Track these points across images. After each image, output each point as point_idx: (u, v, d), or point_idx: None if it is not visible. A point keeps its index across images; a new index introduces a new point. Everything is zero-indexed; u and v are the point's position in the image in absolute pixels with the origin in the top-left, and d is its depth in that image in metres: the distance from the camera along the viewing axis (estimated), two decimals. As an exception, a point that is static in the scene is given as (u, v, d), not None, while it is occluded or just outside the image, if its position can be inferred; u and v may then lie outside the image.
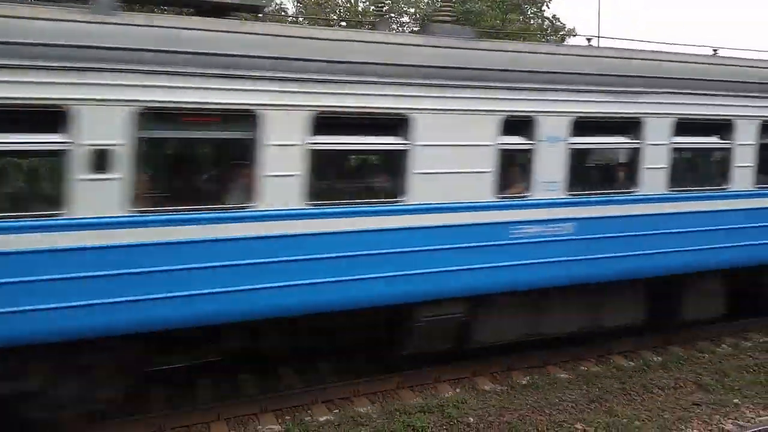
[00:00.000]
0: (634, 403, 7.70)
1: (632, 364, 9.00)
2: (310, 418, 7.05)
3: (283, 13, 26.13)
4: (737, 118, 8.86)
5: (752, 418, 7.29)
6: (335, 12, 28.91)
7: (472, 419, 7.14)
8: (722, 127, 8.86)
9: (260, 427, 6.89)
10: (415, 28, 31.35)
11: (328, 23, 25.85)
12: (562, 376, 8.56)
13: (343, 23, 27.69)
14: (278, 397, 7.35)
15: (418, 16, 30.07)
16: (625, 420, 7.18)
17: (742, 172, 8.96)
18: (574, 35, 32.54)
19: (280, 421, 7.00)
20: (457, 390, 7.98)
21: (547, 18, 32.42)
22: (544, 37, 30.30)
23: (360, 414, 7.16)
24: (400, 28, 30.70)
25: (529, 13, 31.51)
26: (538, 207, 7.65)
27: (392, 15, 30.21)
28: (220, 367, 7.95)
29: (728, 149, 8.91)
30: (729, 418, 7.27)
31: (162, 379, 7.62)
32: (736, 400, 7.72)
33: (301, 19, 27.93)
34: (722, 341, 9.89)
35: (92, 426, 6.43)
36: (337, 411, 7.24)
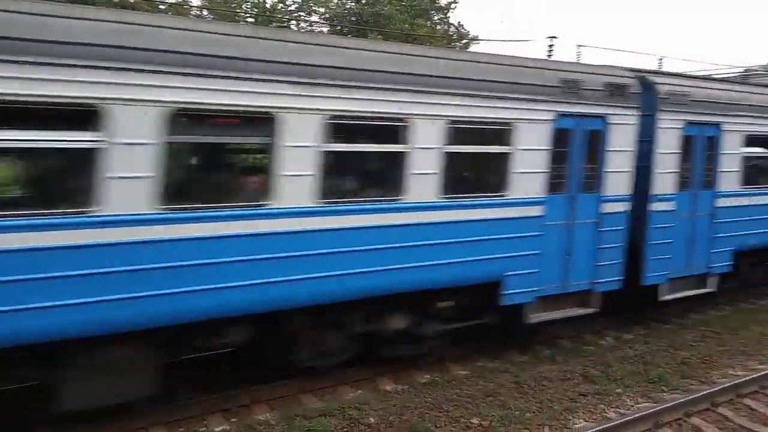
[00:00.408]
0: (526, 395, 8.06)
1: (524, 358, 9.44)
2: (205, 428, 6.82)
3: (186, 6, 25.18)
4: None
5: (632, 405, 7.84)
6: (241, 7, 28.24)
7: (372, 420, 7.19)
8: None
9: None
10: (324, 29, 31.26)
11: (234, 19, 25.21)
12: (460, 372, 8.82)
13: (251, 19, 27.10)
14: (172, 408, 7.06)
15: (327, 15, 30.01)
16: (517, 412, 7.51)
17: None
18: (478, 42, 33.73)
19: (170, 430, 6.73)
20: (359, 391, 8.02)
21: (452, 24, 33.37)
22: (449, 43, 31.17)
23: (258, 422, 7.02)
24: (310, 27, 30.49)
25: (435, 18, 32.30)
26: (281, 217, 6.73)
27: (301, 14, 29.91)
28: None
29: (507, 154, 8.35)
30: (611, 407, 7.78)
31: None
32: (618, 390, 8.29)
33: (205, 12, 27.06)
34: (606, 334, 10.59)
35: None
36: (234, 420, 7.05)
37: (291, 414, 7.21)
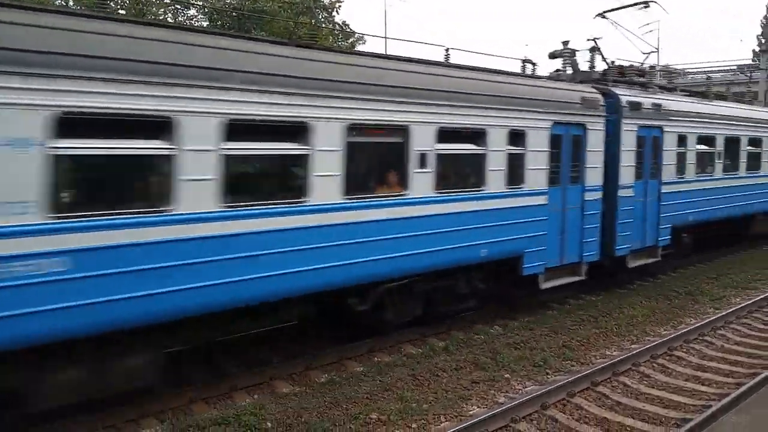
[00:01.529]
0: (422, 387, 8.23)
1: (420, 351, 9.64)
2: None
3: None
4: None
5: (520, 389, 8.24)
6: (114, 1, 26.53)
7: (270, 424, 7.03)
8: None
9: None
10: (204, 23, 30.10)
11: (104, 11, 23.59)
12: (358, 369, 8.85)
13: (122, 11, 25.54)
14: (56, 428, 6.48)
15: (206, 10, 28.93)
16: (414, 404, 7.65)
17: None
18: (363, 42, 33.98)
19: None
20: (255, 396, 7.81)
21: (337, 23, 33.38)
22: (335, 42, 31.15)
23: (146, 436, 6.63)
24: (188, 21, 29.26)
25: (320, 17, 32.15)
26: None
27: (178, 6, 28.61)
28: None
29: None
30: (501, 392, 8.13)
31: None
32: (506, 375, 8.68)
33: (71, 3, 25.13)
34: (495, 323, 11.07)
35: None
36: (116, 437, 6.61)
37: (183, 426, 6.86)
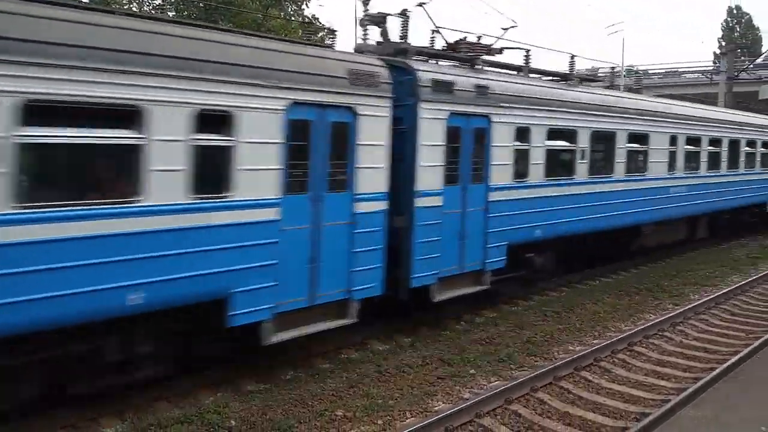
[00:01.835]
0: (388, 383, 8.25)
1: (386, 347, 9.65)
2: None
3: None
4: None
5: (485, 385, 8.32)
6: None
7: (234, 422, 6.95)
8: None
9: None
10: (171, 13, 29.48)
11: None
12: (324, 366, 8.81)
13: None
14: (11, 429, 6.29)
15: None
16: (380, 400, 7.66)
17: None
18: (333, 37, 33.70)
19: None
20: (219, 394, 7.71)
21: (307, 17, 33.09)
22: (305, 35, 30.85)
23: (106, 435, 6.48)
24: (154, 11, 28.64)
25: (290, 10, 31.84)
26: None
27: (143, -5, 28.01)
28: None
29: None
30: (467, 388, 8.20)
31: None
32: (472, 371, 8.75)
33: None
34: (461, 319, 11.15)
35: None
36: (79, 435, 6.45)
37: (144, 425, 6.74)
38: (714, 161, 18.15)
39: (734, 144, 19.21)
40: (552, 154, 12.09)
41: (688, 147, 16.57)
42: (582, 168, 12.75)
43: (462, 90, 10.07)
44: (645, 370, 9.09)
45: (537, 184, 11.68)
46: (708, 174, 17.74)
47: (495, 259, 10.77)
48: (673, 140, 15.86)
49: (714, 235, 19.75)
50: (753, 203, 21.12)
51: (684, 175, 16.43)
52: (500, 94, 10.77)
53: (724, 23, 72.63)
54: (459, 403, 7.49)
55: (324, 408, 7.43)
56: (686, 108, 17.52)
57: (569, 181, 12.45)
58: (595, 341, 10.12)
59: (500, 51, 11.98)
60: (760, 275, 15.27)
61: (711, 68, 39.88)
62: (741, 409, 7.11)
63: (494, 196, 10.67)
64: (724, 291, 13.48)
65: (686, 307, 12.03)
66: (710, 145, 17.79)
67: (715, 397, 7.49)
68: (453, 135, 9.90)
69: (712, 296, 12.98)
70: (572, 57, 14.04)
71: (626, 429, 6.97)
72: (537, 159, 11.66)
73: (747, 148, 20.18)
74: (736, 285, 14.10)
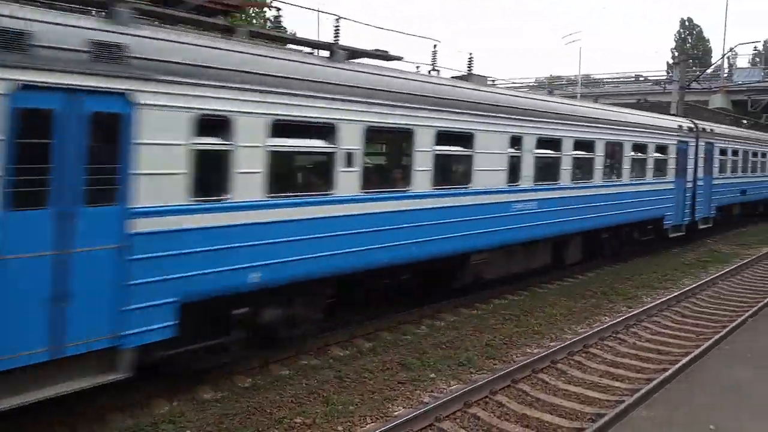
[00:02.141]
0: (348, 389, 8.19)
1: (347, 352, 9.60)
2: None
3: None
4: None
5: (444, 388, 8.35)
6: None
7: (189, 431, 6.79)
8: None
9: None
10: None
11: None
12: (283, 372, 8.71)
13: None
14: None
15: None
16: (341, 406, 7.60)
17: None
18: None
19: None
20: (174, 403, 7.53)
21: (269, 20, 32.85)
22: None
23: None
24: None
25: (250, 12, 31.55)
26: None
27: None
28: None
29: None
30: (427, 392, 8.21)
31: None
32: (432, 375, 8.77)
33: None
34: (422, 323, 11.18)
35: None
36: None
37: (94, 435, 6.53)
38: (583, 169, 14.63)
39: (614, 148, 15.83)
40: (282, 159, 8.29)
41: (541, 152, 12.95)
42: (351, 180, 8.92)
43: (54, 47, 6.01)
44: (600, 371, 9.28)
45: (244, 203, 7.60)
46: (573, 185, 14.06)
47: (146, 329, 6.75)
48: (516, 142, 12.17)
49: (593, 257, 16.53)
50: (644, 218, 17.62)
51: (535, 188, 12.82)
52: (158, 60, 6.75)
53: (677, 34, 75.23)
54: (419, 407, 7.49)
55: (283, 415, 7.33)
56: (537, 101, 13.41)
57: (322, 198, 8.61)
58: (552, 344, 10.28)
59: None
60: (709, 278, 15.78)
61: (664, 77, 41.16)
62: (693, 409, 7.31)
63: (144, 225, 6.69)
64: (676, 294, 13.88)
65: (639, 310, 12.34)
66: (576, 149, 14.12)
67: (668, 398, 7.68)
68: (31, 123, 5.93)
69: (664, 299, 13.34)
70: (434, 46, 11.87)
71: (582, 430, 7.09)
72: (252, 164, 7.64)
73: (634, 153, 16.68)
74: (687, 288, 14.54)
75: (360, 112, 9.01)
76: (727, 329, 10.77)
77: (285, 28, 33.31)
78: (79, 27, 6.30)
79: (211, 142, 7.38)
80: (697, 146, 20.48)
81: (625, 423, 6.97)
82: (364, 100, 9.07)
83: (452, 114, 10.67)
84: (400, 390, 8.23)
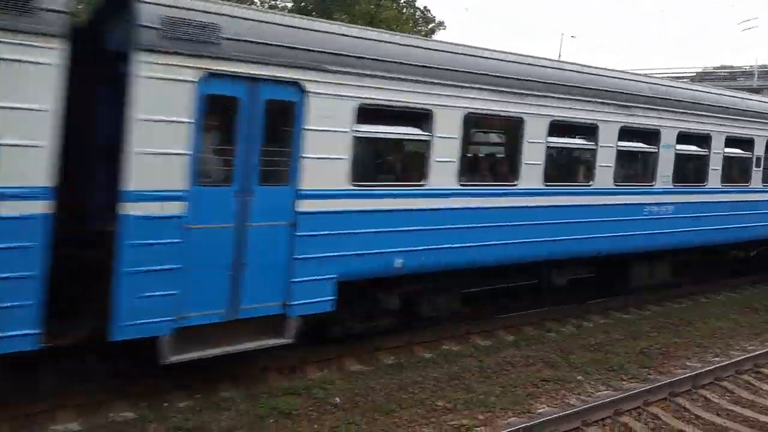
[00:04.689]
0: (490, 380, 8.12)
1: (488, 343, 9.51)
2: (167, 404, 6.64)
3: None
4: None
5: (592, 393, 7.98)
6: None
7: (338, 399, 7.13)
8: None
9: (112, 414, 6.39)
10: (289, 4, 30.51)
11: None
12: (426, 355, 8.84)
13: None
14: (132, 381, 6.86)
15: None
16: (482, 396, 7.56)
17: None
18: (443, 28, 33.56)
19: (135, 407, 6.53)
20: (325, 371, 7.95)
21: (418, 8, 33.11)
22: (415, 27, 30.92)
23: (223, 398, 6.88)
24: (273, 3, 29.77)
25: (401, 2, 31.99)
26: None
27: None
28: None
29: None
30: (573, 393, 7.90)
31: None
32: (579, 377, 8.42)
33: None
34: (567, 322, 10.76)
35: None
36: (198, 396, 6.89)
37: (256, 392, 7.09)
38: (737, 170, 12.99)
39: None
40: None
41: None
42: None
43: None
44: (774, 396, 8.34)
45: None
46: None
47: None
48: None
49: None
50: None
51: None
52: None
53: None
54: (565, 408, 7.24)
55: (425, 397, 7.45)
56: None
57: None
58: (716, 359, 9.41)
59: None
60: None
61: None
62: None
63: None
64: None
65: (824, 332, 10.90)
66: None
67: None
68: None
69: None
70: None
71: (751, 458, 6.44)
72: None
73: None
74: None
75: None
76: None
77: (434, 16, 33.31)
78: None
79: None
80: None
81: (805, 457, 6.22)
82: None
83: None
84: (544, 388, 8.00)
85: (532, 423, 6.63)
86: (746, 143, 13.00)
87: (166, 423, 6.26)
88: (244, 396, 6.99)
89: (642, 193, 11.08)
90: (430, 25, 33.11)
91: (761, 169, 13.28)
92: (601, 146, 10.23)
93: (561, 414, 6.88)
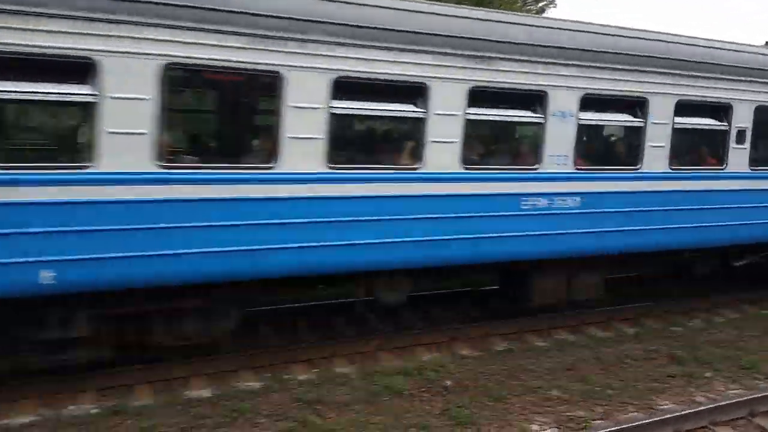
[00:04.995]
0: (607, 372, 7.80)
1: (606, 334, 9.14)
2: (290, 375, 7.01)
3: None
4: None
5: (722, 391, 7.45)
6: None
7: (450, 382, 7.17)
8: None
9: (239, 383, 6.84)
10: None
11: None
12: (538, 344, 8.65)
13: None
14: (258, 353, 7.29)
15: None
16: (598, 388, 7.29)
17: None
18: (554, 6, 32.12)
19: (259, 378, 6.95)
20: (436, 354, 8.01)
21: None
22: (524, 6, 29.88)
23: (339, 374, 7.14)
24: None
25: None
26: None
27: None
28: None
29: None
30: (701, 391, 7.41)
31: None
32: (707, 374, 7.88)
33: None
34: (695, 316, 10.09)
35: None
36: (316, 370, 7.22)
37: (370, 370, 7.30)
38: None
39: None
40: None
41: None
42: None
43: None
44: None
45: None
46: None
47: None
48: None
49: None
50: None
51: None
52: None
53: None
54: (692, 405, 6.82)
55: (538, 385, 7.30)
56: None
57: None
58: None
59: None
60: None
61: None
62: None
63: None
64: None
65: None
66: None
67: None
68: None
69: None
70: None
71: None
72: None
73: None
74: None
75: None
76: None
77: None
78: None
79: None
80: None
81: None
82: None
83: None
84: (668, 383, 7.57)
85: (655, 419, 6.31)
86: (716, 111, 9.40)
87: (288, 393, 6.62)
88: (358, 373, 7.22)
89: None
90: (540, 4, 31.86)
91: (744, 146, 9.59)
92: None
93: (688, 411, 6.49)
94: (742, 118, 9.41)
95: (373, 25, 6.73)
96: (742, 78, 9.31)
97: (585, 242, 8.39)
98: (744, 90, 9.37)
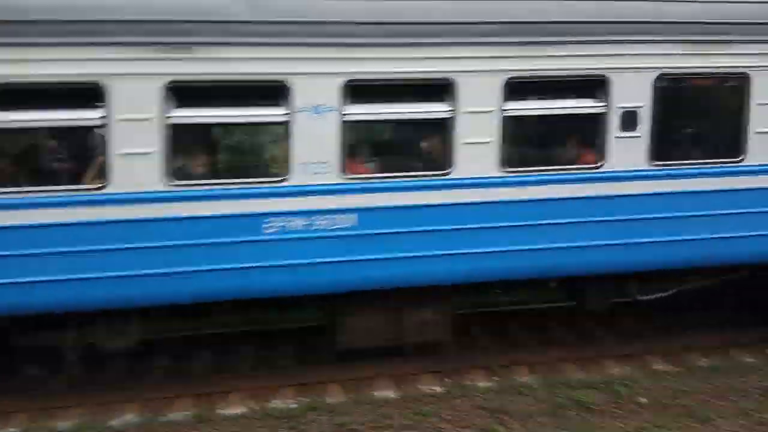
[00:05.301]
0: (836, 396, 6.73)
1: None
2: (471, 382, 7.02)
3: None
4: None
5: None
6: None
7: (644, 399, 6.67)
8: None
9: (423, 386, 6.98)
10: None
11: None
12: (747, 360, 7.74)
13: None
14: (438, 359, 7.41)
15: None
16: (831, 418, 6.31)
17: None
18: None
19: (441, 383, 7.04)
20: (625, 368, 7.50)
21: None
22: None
23: (521, 384, 6.99)
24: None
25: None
26: None
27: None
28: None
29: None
30: None
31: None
32: None
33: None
34: None
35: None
36: (497, 379, 7.13)
37: (553, 381, 7.04)
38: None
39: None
40: None
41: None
42: None
43: None
44: None
45: None
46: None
47: None
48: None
49: None
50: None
51: None
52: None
53: None
54: None
55: (751, 408, 6.51)
56: None
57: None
58: None
59: None
60: None
61: None
62: None
63: None
64: None
65: None
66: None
67: None
68: None
69: None
70: None
71: None
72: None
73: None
74: None
75: None
76: None
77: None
78: None
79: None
80: None
81: None
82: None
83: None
84: None
85: None
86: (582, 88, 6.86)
87: (470, 400, 6.62)
88: (541, 384, 6.99)
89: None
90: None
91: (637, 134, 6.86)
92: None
93: None
94: (629, 96, 6.75)
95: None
96: (624, 38, 6.66)
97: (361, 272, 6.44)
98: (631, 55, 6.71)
